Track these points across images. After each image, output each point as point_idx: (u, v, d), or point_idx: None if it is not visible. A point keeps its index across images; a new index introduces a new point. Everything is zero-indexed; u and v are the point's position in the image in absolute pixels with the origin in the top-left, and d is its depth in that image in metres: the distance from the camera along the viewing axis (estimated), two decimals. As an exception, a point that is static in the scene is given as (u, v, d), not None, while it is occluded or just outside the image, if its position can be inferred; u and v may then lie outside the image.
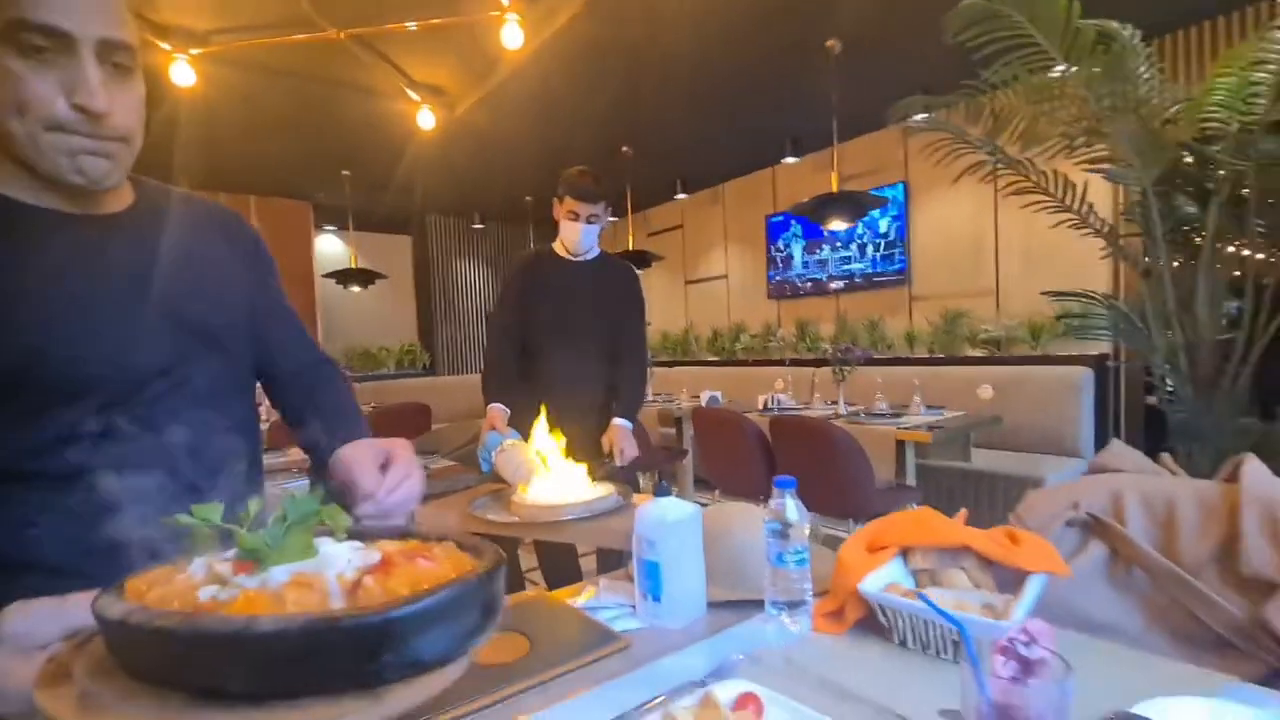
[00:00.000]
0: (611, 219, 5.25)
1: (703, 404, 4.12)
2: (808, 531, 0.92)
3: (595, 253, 2.32)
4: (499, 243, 7.82)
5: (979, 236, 4.56)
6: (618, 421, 2.19)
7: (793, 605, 0.88)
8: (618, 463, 2.11)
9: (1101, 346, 3.88)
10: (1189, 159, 2.18)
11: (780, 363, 5.38)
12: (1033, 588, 0.85)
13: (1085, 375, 3.67)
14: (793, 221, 5.71)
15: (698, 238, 6.61)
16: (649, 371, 2.57)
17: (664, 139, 5.00)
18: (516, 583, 2.63)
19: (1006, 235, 4.41)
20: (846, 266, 5.39)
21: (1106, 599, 1.35)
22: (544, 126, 4.69)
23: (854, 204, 3.59)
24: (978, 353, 4.52)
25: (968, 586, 0.89)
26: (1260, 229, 2.15)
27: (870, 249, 5.20)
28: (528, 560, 2.77)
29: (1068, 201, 2.47)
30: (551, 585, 2.35)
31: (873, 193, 4.63)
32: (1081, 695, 0.54)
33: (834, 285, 5.46)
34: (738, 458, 3.33)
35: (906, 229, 4.95)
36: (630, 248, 5.60)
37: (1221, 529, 1.27)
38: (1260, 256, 2.22)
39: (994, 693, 0.53)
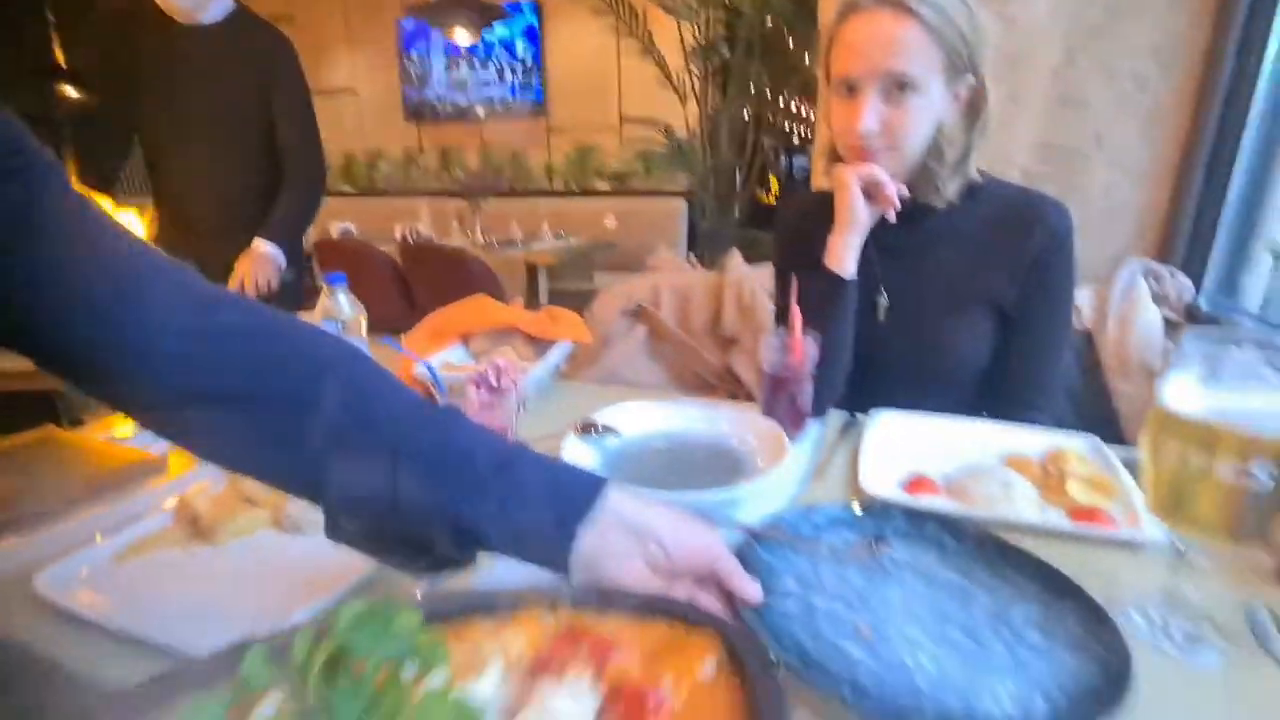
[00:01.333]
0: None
1: (334, 237, 3.75)
2: (364, 325, 0.96)
3: (222, 9, 1.74)
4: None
5: (605, 71, 4.81)
6: (256, 243, 1.77)
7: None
8: (249, 292, 1.75)
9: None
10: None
11: (422, 194, 5.12)
12: (558, 349, 1.05)
13: (681, 205, 4.40)
14: (431, 31, 5.17)
15: (312, 35, 5.50)
16: (319, 178, 1.95)
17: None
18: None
19: (628, 70, 4.74)
20: (487, 91, 5.20)
21: (647, 367, 1.72)
22: None
23: (475, 9, 3.43)
24: (604, 186, 4.98)
25: (514, 357, 1.06)
26: (764, 77, 2.91)
27: (509, 73, 5.08)
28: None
29: (638, 33, 2.89)
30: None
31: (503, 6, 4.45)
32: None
33: (478, 110, 5.25)
34: (371, 292, 3.18)
35: (542, 55, 4.94)
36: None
37: (714, 305, 1.70)
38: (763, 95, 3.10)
39: (473, 411, 0.67)
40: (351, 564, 0.57)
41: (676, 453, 0.82)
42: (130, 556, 0.61)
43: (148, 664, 0.49)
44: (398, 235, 3.71)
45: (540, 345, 1.10)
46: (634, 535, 0.43)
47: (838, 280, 0.93)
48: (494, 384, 0.68)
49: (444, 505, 0.41)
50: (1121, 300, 1.27)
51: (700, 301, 1.69)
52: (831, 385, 0.94)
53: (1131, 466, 0.72)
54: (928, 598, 0.53)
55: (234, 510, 0.65)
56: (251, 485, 0.69)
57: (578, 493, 0.44)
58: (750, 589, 0.47)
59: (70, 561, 0.58)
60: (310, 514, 0.64)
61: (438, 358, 1.00)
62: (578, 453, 0.77)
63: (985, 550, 0.58)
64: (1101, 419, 1.24)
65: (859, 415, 0.92)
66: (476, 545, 0.43)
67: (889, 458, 0.79)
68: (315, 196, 1.94)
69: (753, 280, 1.63)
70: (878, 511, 0.64)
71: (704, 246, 3.14)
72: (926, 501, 0.69)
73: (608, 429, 0.84)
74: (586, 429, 0.83)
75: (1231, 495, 0.43)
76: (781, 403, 0.86)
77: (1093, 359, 1.30)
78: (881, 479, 0.74)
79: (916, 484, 0.72)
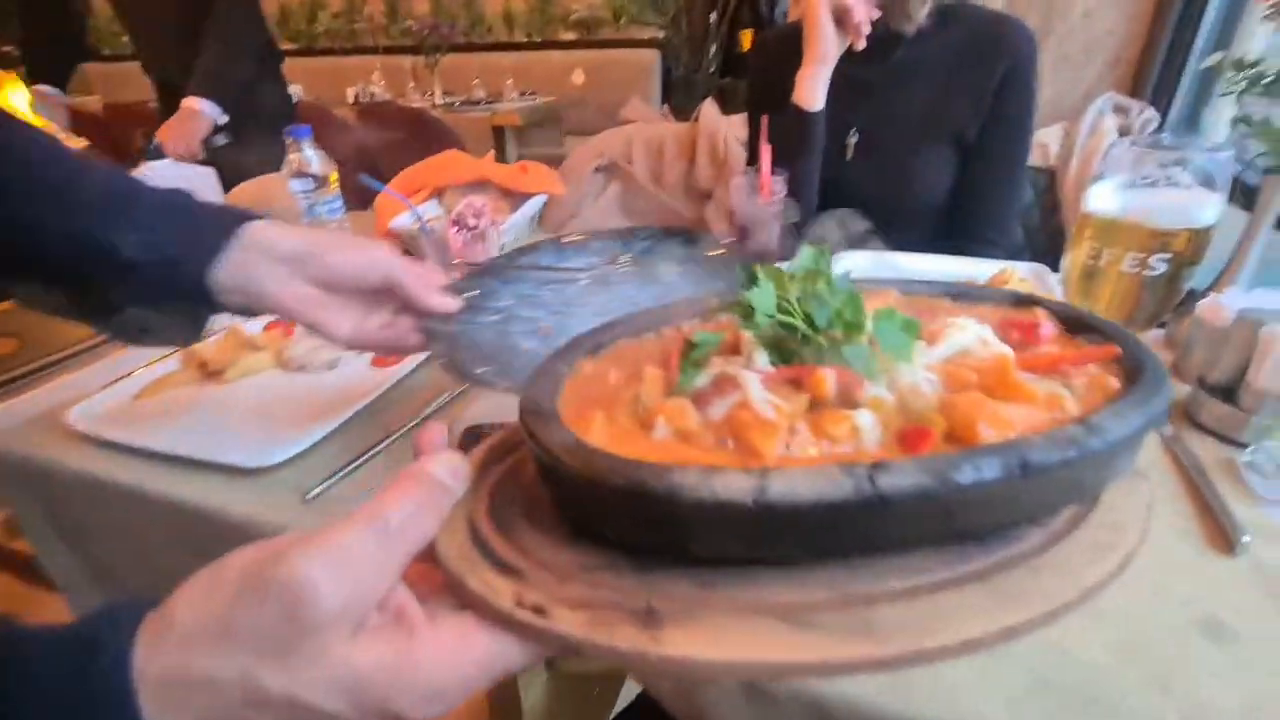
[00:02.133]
0: None
1: (281, 102, 3.49)
2: (336, 180, 0.95)
3: None
4: None
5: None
6: (184, 102, 1.64)
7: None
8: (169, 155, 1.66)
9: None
10: None
11: (373, 50, 4.70)
12: (532, 203, 1.06)
13: (654, 56, 4.11)
14: None
15: None
16: (249, 18, 1.77)
17: None
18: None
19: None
20: (431, -76, 4.62)
21: (621, 224, 1.74)
22: None
23: None
24: (570, 36, 4.61)
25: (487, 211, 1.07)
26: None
27: (454, -99, 4.49)
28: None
29: None
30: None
31: None
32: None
33: (422, -50, 4.70)
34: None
35: (491, -122, 4.35)
36: None
37: (688, 157, 1.67)
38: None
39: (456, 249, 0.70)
40: (355, 393, 0.63)
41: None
42: (147, 395, 0.66)
43: (189, 479, 0.55)
44: (350, 98, 3.47)
45: (516, 199, 1.11)
46: (286, 262, 0.45)
47: (806, 115, 0.93)
48: (472, 224, 0.71)
49: (80, 232, 0.42)
50: (1088, 136, 1.28)
51: (674, 154, 1.67)
52: (800, 223, 0.97)
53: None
54: (632, 297, 0.49)
55: (238, 353, 0.70)
56: (252, 330, 0.73)
57: (210, 226, 0.45)
58: (433, 299, 0.47)
59: (95, 400, 0.63)
60: (311, 353, 0.69)
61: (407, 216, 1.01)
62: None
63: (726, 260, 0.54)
64: (1058, 257, 1.31)
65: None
66: (125, 274, 0.43)
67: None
68: (239, 49, 1.77)
69: (727, 130, 1.60)
70: (625, 231, 0.58)
71: (678, 97, 3.00)
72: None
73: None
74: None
75: (1133, 285, 0.50)
76: (751, 244, 0.90)
77: (1054, 199, 1.33)
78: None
79: (872, 309, 0.78)
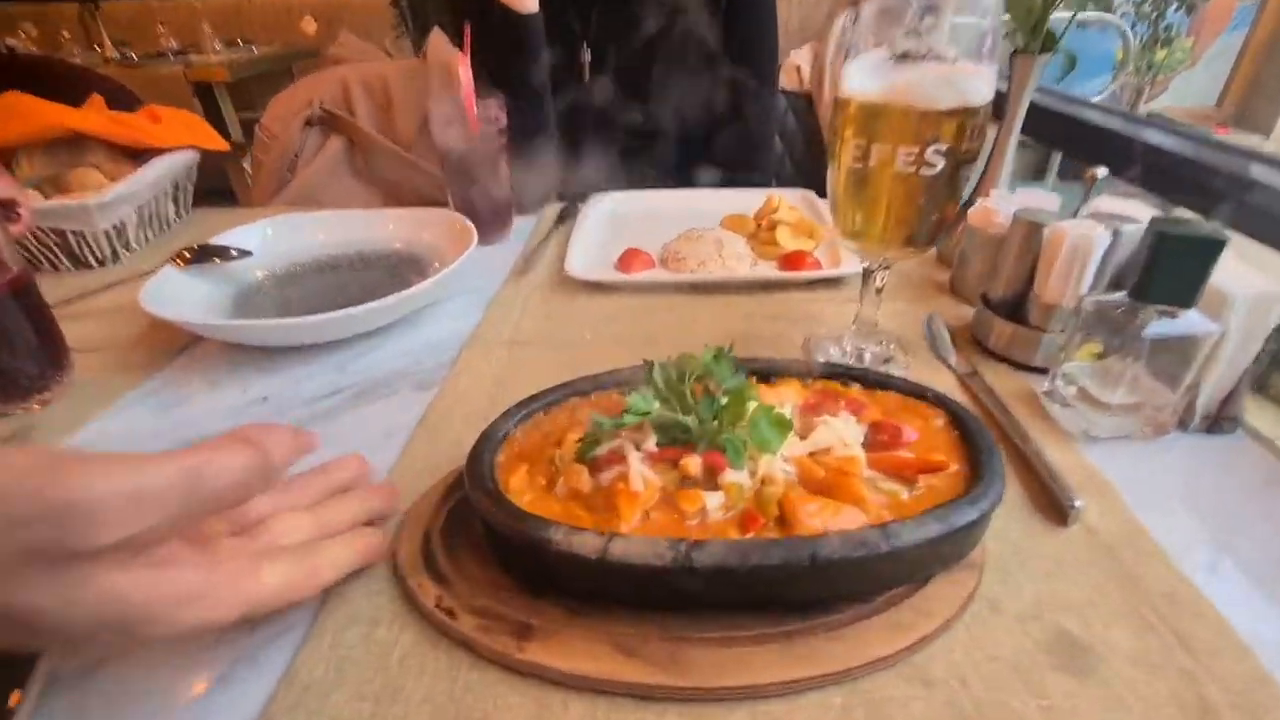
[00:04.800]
0: None
1: None
2: None
3: None
4: None
5: None
6: None
7: None
8: None
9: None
10: None
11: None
12: (164, 162, 0.74)
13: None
14: None
15: None
16: None
17: None
18: None
19: None
20: None
21: (350, 189, 1.41)
22: None
23: None
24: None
25: (95, 184, 0.73)
26: None
27: None
28: None
29: None
30: None
31: None
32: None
33: None
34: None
35: None
36: None
37: (421, 106, 1.39)
38: None
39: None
40: None
41: (338, 271, 0.63)
42: None
43: None
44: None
45: (144, 158, 0.78)
46: None
47: (518, 18, 0.73)
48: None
49: None
50: (836, 52, 1.25)
51: (403, 99, 1.38)
52: (535, 165, 0.79)
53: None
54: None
55: None
56: None
57: None
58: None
59: None
60: None
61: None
62: (178, 289, 0.54)
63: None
64: (822, 182, 1.28)
65: (580, 205, 0.79)
66: None
67: (605, 239, 0.69)
68: None
69: (466, 65, 1.35)
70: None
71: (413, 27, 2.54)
72: (632, 278, 0.60)
73: (240, 252, 0.62)
74: (204, 256, 0.59)
75: (910, 189, 0.38)
76: (472, 193, 0.69)
77: (814, 123, 1.29)
78: (590, 261, 0.63)
79: (629, 259, 0.63)
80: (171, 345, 0.53)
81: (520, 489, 0.31)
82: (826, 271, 0.59)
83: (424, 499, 0.36)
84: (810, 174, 1.26)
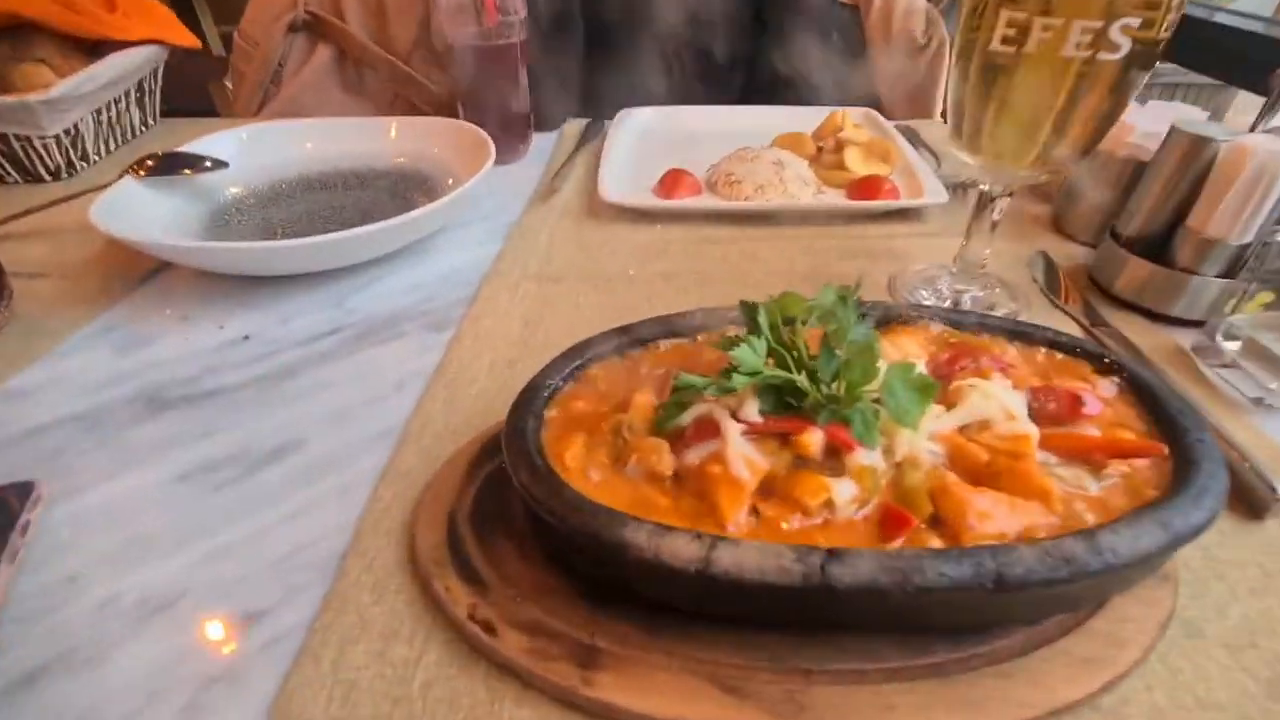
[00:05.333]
0: None
1: None
2: None
3: None
4: None
5: None
6: None
7: None
8: None
9: None
10: None
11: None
12: (121, 59, 0.64)
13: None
14: None
15: None
16: None
17: None
18: None
19: None
20: None
21: (341, 101, 1.29)
22: None
23: None
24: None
25: (45, 82, 0.63)
26: None
27: None
28: None
29: None
30: None
31: None
32: None
33: None
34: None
35: None
36: None
37: (420, 10, 1.25)
38: None
39: None
40: None
41: (331, 190, 0.54)
42: None
43: None
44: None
45: (101, 53, 0.67)
46: None
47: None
48: None
49: None
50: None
51: (400, 5, 1.24)
52: (559, 70, 0.68)
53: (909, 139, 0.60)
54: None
55: None
56: None
57: None
58: None
59: None
60: None
61: None
62: (138, 205, 0.45)
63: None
64: (867, 104, 1.16)
65: (606, 123, 0.68)
66: None
67: (641, 160, 0.59)
68: None
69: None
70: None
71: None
72: (681, 204, 0.51)
73: (215, 163, 0.52)
74: (170, 166, 0.50)
75: (1072, 83, 0.29)
76: (488, 100, 0.59)
77: (860, 38, 1.16)
78: (627, 183, 0.54)
79: (671, 182, 0.53)
80: (132, 272, 0.45)
81: (578, 466, 0.24)
82: (913, 200, 0.50)
83: (447, 469, 0.28)
84: (851, 94, 1.14)
